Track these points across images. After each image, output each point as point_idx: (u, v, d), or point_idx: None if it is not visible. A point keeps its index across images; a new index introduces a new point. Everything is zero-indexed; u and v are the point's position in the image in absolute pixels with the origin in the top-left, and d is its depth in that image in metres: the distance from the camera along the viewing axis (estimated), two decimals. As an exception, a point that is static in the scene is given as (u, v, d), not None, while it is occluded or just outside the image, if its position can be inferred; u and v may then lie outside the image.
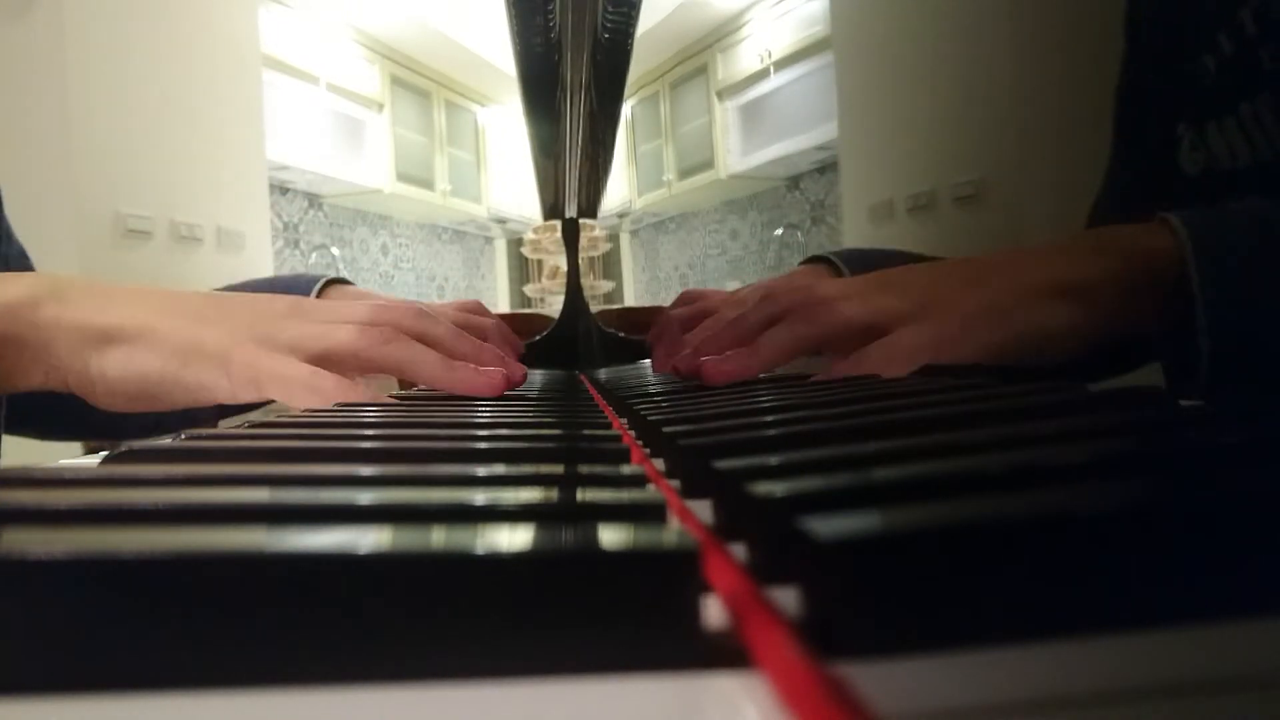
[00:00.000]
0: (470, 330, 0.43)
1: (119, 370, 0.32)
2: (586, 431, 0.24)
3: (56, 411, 0.38)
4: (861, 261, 0.55)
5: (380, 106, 3.07)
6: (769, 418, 0.23)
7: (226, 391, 0.33)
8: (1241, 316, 0.30)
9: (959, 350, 0.34)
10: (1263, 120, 0.44)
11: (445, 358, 0.37)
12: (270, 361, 0.33)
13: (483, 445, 0.20)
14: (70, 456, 0.28)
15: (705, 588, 0.10)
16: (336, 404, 0.33)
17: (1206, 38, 0.48)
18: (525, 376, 0.41)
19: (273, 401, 0.35)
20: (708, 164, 3.10)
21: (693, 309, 0.62)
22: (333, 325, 0.35)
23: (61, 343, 0.32)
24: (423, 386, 0.41)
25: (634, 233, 3.93)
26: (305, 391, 0.33)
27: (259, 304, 0.36)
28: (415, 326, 0.37)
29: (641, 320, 0.74)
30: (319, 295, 0.54)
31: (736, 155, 2.99)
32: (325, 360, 0.35)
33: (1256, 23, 0.45)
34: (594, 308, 0.74)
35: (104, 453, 0.19)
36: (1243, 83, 0.46)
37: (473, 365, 0.38)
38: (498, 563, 0.09)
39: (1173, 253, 0.32)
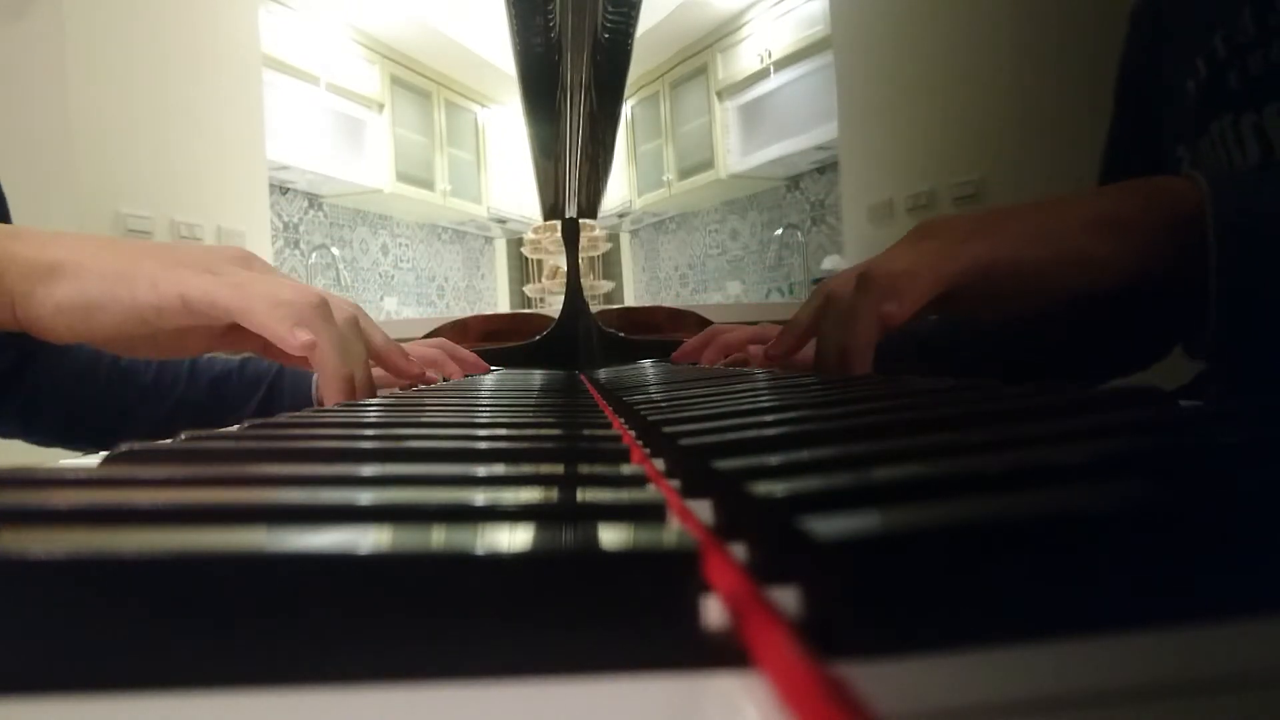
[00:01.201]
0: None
1: (61, 294, 0.35)
2: (586, 431, 0.24)
3: (47, 412, 0.39)
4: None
5: (380, 106, 3.07)
6: (769, 418, 0.23)
7: (155, 307, 0.36)
8: (1251, 265, 0.32)
9: (1010, 264, 0.35)
10: (1226, 136, 0.46)
11: (339, 357, 0.38)
12: (196, 278, 0.36)
13: (483, 445, 0.20)
14: (70, 457, 0.29)
15: (705, 588, 0.10)
16: (337, 404, 0.33)
17: (1189, 64, 0.50)
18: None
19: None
20: (708, 164, 3.10)
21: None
22: (267, 278, 0.37)
23: (14, 273, 0.35)
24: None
25: (634, 233, 3.93)
26: (231, 295, 0.35)
27: (201, 248, 0.39)
28: (349, 314, 0.39)
29: (641, 320, 0.74)
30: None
31: (736, 155, 2.99)
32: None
33: (1226, 46, 0.48)
34: (594, 308, 0.74)
35: (104, 453, 0.19)
36: (1215, 103, 0.48)
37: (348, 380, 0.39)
38: (498, 563, 0.09)
39: (1193, 195, 0.34)
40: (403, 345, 0.49)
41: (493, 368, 0.75)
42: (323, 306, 0.37)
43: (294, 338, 0.36)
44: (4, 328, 0.36)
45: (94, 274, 0.35)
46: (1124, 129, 0.64)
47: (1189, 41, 0.52)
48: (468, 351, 0.64)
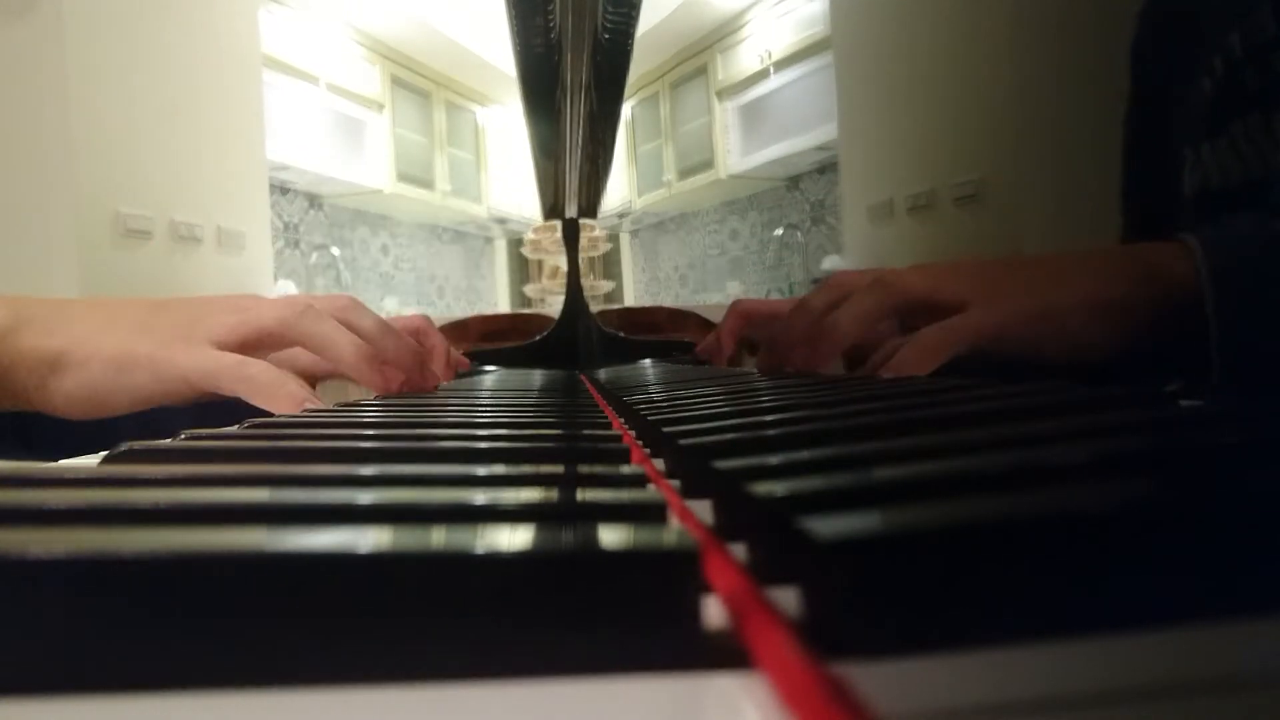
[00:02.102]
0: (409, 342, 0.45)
1: (70, 387, 0.35)
2: (586, 431, 0.24)
3: (38, 429, 0.39)
4: None
5: (380, 107, 3.07)
6: (769, 418, 0.23)
7: (160, 393, 0.36)
8: (1250, 337, 0.33)
9: (1011, 341, 0.37)
10: (1253, 137, 0.46)
11: (362, 346, 0.38)
12: (196, 357, 0.35)
13: (483, 445, 0.20)
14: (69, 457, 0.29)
15: (705, 588, 0.10)
16: (337, 404, 0.33)
17: (1204, 61, 0.50)
18: (436, 388, 0.42)
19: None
20: (708, 164, 3.10)
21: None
22: (256, 310, 0.37)
23: (22, 370, 0.35)
24: (334, 375, 0.41)
25: (634, 233, 3.93)
26: (234, 380, 0.35)
27: (193, 305, 0.38)
28: (342, 313, 0.39)
29: (641, 320, 0.74)
30: None
31: (736, 155, 2.99)
32: (251, 345, 0.37)
33: (1243, 45, 0.47)
34: (594, 308, 0.74)
35: (104, 453, 0.19)
36: (1233, 103, 0.48)
37: (380, 364, 0.39)
38: (498, 563, 0.09)
39: (1192, 276, 0.34)
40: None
41: (487, 368, 0.75)
42: (319, 319, 0.37)
43: (294, 408, 0.35)
44: (22, 409, 0.37)
45: (96, 363, 0.35)
46: (1142, 131, 0.63)
47: (1204, 39, 0.51)
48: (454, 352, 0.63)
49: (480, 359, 0.75)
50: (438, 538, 0.10)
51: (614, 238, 3.80)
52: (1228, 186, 0.48)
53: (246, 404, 0.36)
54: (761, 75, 2.82)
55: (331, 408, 0.35)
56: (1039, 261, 0.41)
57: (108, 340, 0.36)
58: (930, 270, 0.40)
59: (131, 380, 0.35)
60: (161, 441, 0.20)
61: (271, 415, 0.34)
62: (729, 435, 0.18)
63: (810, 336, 0.41)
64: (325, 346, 0.37)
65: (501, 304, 3.97)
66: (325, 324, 0.38)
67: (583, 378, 0.64)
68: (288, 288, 2.57)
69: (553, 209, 0.77)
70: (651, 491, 0.13)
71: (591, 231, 2.87)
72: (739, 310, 0.62)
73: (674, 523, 0.11)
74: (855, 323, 0.39)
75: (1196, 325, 0.34)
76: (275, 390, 0.35)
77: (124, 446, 0.18)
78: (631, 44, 0.56)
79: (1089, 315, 0.37)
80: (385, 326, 0.41)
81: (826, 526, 0.09)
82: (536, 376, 0.67)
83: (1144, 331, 0.36)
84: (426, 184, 3.29)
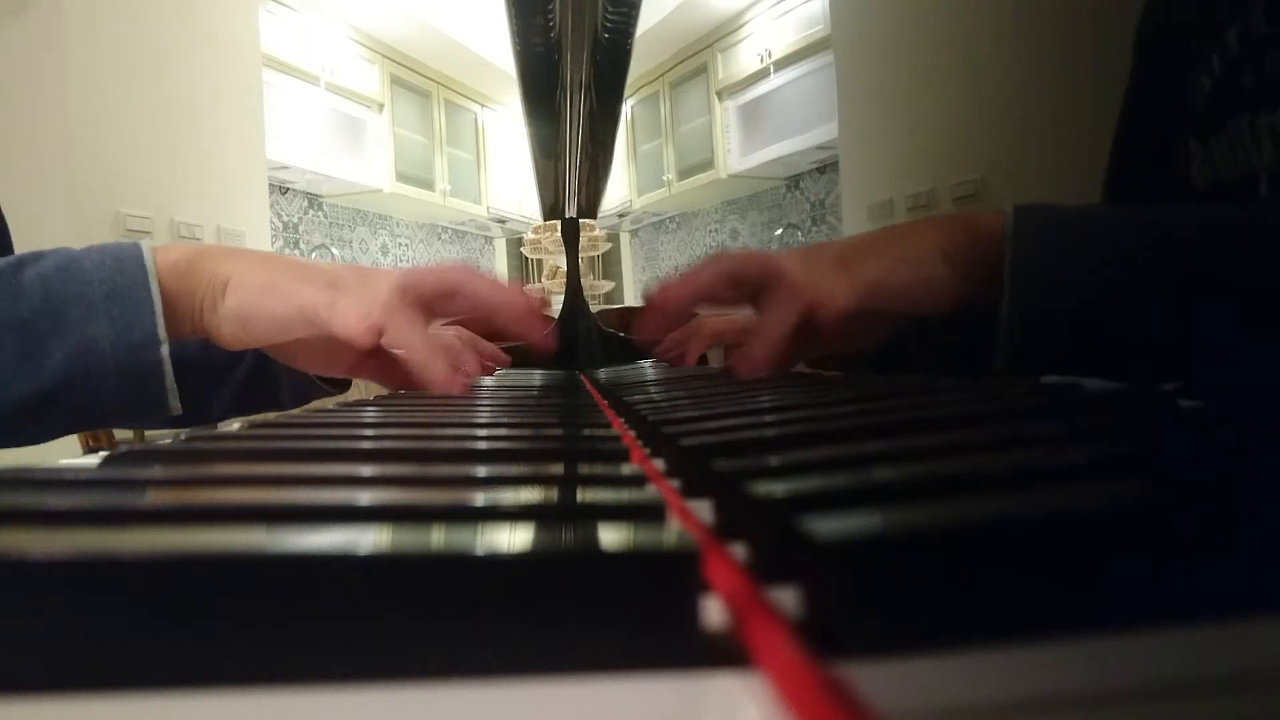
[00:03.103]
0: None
1: (226, 307, 0.41)
2: (586, 431, 0.24)
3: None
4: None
5: (380, 106, 3.07)
6: (769, 418, 0.23)
7: (283, 316, 0.41)
8: (1039, 299, 0.36)
9: (886, 288, 0.40)
10: (1244, 135, 0.46)
11: (436, 347, 0.42)
12: (319, 296, 0.40)
13: (483, 445, 0.20)
14: (70, 456, 0.29)
15: (705, 588, 0.10)
16: (337, 404, 0.34)
17: (1204, 58, 0.50)
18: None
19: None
20: (708, 164, 3.10)
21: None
22: (382, 281, 0.42)
23: (202, 288, 0.41)
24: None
25: (634, 233, 3.93)
26: (325, 308, 0.40)
27: (338, 267, 0.44)
28: (455, 281, 0.43)
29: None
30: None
31: (736, 155, 2.99)
32: (400, 304, 0.41)
33: (1239, 43, 0.48)
34: (594, 308, 0.74)
35: (104, 453, 0.19)
36: (1229, 100, 0.48)
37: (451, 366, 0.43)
38: (498, 563, 0.09)
39: (1001, 237, 0.38)
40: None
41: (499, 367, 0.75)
42: (398, 307, 0.41)
43: (365, 337, 0.40)
44: (191, 334, 0.42)
45: (248, 288, 0.41)
46: (1138, 117, 0.63)
47: (1203, 36, 0.51)
48: (488, 344, 0.64)
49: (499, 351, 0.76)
50: (438, 538, 0.10)
51: (614, 237, 3.80)
52: (1225, 183, 0.49)
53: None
54: (761, 75, 2.83)
55: (331, 408, 0.35)
56: (886, 231, 0.44)
57: (260, 271, 0.41)
58: (791, 255, 0.43)
59: (270, 304, 0.41)
60: (161, 442, 0.20)
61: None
62: (729, 435, 0.18)
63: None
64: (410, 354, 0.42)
65: (501, 304, 3.96)
66: (415, 335, 0.41)
67: (583, 378, 0.64)
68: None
69: (553, 209, 0.77)
70: (651, 491, 0.13)
71: (591, 231, 2.87)
72: (707, 334, 0.63)
73: (674, 523, 0.11)
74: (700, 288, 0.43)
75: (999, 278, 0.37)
76: (414, 343, 0.41)
77: (124, 447, 0.18)
78: (631, 44, 0.56)
79: (940, 261, 0.40)
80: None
81: (825, 526, 0.09)
82: (536, 376, 0.67)
83: (973, 280, 0.40)
84: (426, 184, 3.29)
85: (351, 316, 0.39)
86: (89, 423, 0.42)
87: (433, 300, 0.42)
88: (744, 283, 0.42)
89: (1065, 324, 0.35)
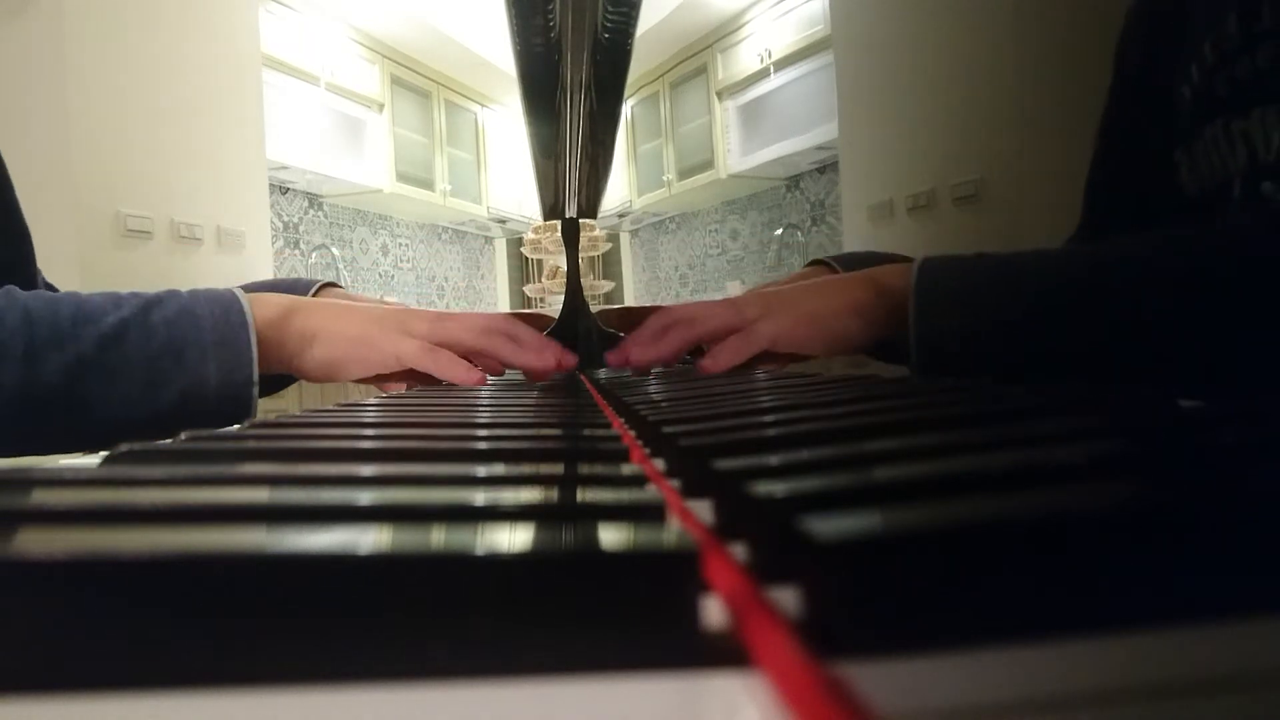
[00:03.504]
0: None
1: (318, 357, 0.51)
2: (586, 431, 0.24)
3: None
4: (849, 263, 0.68)
5: (380, 106, 3.07)
6: (769, 418, 0.23)
7: (379, 364, 0.52)
8: (938, 338, 0.45)
9: (788, 339, 0.51)
10: (1219, 141, 0.47)
11: (521, 350, 0.54)
12: (405, 343, 0.52)
13: (483, 445, 0.20)
14: (70, 456, 0.29)
15: (705, 588, 0.10)
16: (337, 404, 0.34)
17: (1184, 69, 0.51)
18: (576, 363, 0.58)
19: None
20: (708, 164, 3.10)
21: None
22: (450, 323, 0.54)
23: (292, 342, 0.51)
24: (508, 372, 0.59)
25: (634, 233, 3.93)
26: (425, 357, 0.52)
27: (407, 312, 0.55)
28: (504, 329, 0.55)
29: (642, 320, 0.74)
30: (315, 294, 0.70)
31: (736, 155, 2.99)
32: (445, 346, 0.53)
33: (1214, 52, 0.49)
34: (594, 308, 0.74)
35: (104, 453, 0.19)
36: (1206, 108, 0.50)
37: (541, 354, 0.54)
38: (498, 563, 0.09)
39: (908, 290, 0.47)
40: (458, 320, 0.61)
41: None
42: (493, 335, 0.54)
43: (469, 378, 0.52)
44: (278, 372, 0.52)
45: (341, 340, 0.51)
46: (1120, 128, 0.64)
47: (1183, 46, 0.52)
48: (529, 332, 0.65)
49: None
50: (438, 538, 0.10)
51: (614, 238, 3.80)
52: (1208, 188, 0.50)
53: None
54: (761, 75, 2.83)
55: (331, 408, 0.35)
56: (809, 285, 0.55)
57: (347, 325, 0.52)
58: (731, 301, 0.55)
59: (364, 354, 0.52)
60: (161, 442, 0.20)
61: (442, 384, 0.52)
62: (729, 435, 0.18)
63: (643, 347, 0.55)
64: (501, 352, 0.54)
65: (501, 304, 3.97)
66: (497, 340, 0.54)
67: (583, 378, 0.64)
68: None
69: (553, 209, 0.77)
70: (651, 491, 0.13)
71: (591, 231, 2.87)
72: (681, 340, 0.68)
73: (674, 523, 0.11)
74: (675, 345, 0.54)
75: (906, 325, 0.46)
76: (452, 367, 0.52)
77: (124, 447, 0.18)
78: (631, 44, 0.56)
79: (845, 317, 0.51)
80: (531, 333, 0.57)
81: (826, 526, 0.09)
82: (536, 376, 0.67)
83: (883, 328, 0.50)
84: (426, 184, 3.29)
85: (459, 372, 0.52)
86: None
87: (465, 354, 0.53)
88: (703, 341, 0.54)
89: (955, 355, 0.44)
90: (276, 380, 0.62)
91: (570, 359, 0.55)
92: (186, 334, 0.45)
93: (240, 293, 0.49)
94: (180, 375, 0.44)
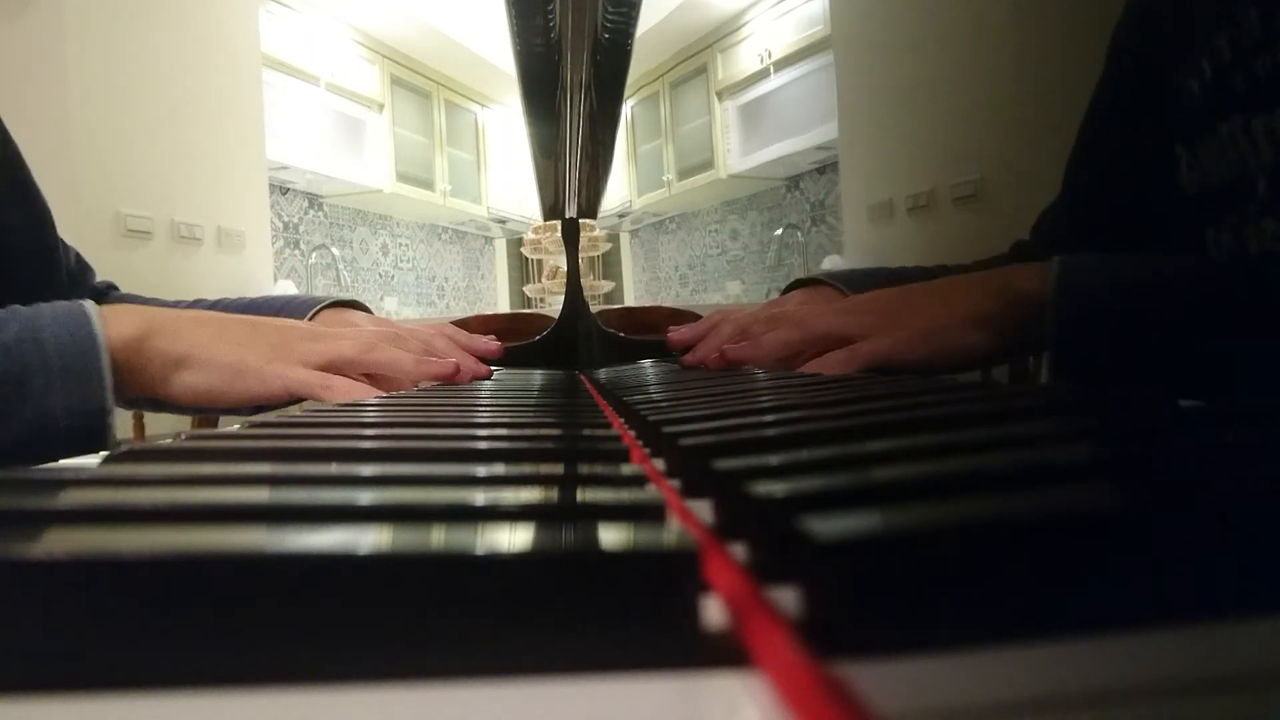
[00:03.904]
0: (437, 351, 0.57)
1: (189, 385, 0.46)
2: (586, 431, 0.24)
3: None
4: (853, 282, 0.65)
5: (380, 106, 3.07)
6: (769, 418, 0.23)
7: (264, 396, 0.46)
8: (1081, 355, 0.40)
9: (901, 359, 0.46)
10: (1238, 138, 0.46)
11: (417, 356, 0.50)
12: (293, 372, 0.47)
13: (483, 445, 0.20)
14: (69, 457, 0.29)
15: (705, 588, 0.10)
16: (338, 404, 0.34)
17: (1192, 62, 0.50)
18: (490, 374, 0.55)
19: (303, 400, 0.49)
20: (708, 164, 3.10)
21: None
22: (335, 342, 0.49)
23: (155, 365, 0.45)
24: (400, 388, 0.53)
25: (634, 233, 3.93)
26: (320, 389, 0.46)
27: (283, 329, 0.50)
28: (395, 340, 0.51)
29: (642, 320, 0.74)
30: (319, 314, 0.65)
31: (736, 155, 2.99)
32: (331, 367, 0.48)
33: (1231, 47, 0.48)
34: (594, 308, 0.74)
35: (104, 453, 0.19)
36: (1221, 105, 0.48)
37: (437, 359, 0.51)
38: (498, 563, 0.09)
39: (1041, 296, 0.41)
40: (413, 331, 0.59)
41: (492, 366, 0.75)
42: (381, 349, 0.50)
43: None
44: (144, 397, 0.47)
45: (214, 367, 0.46)
46: (1112, 119, 0.64)
47: (1190, 40, 0.52)
48: (478, 339, 0.64)
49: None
50: (438, 538, 0.10)
51: (614, 238, 3.80)
52: (1214, 186, 0.49)
53: None
54: (761, 75, 2.83)
55: (332, 408, 0.35)
56: (924, 289, 0.49)
57: (221, 350, 0.46)
58: (839, 308, 0.51)
59: (244, 384, 0.46)
60: (161, 442, 0.20)
61: None
62: (729, 435, 0.18)
63: (735, 347, 0.51)
64: (389, 368, 0.50)
65: (501, 304, 3.97)
66: (388, 353, 0.49)
67: (583, 378, 0.64)
68: (287, 287, 2.57)
69: (553, 209, 0.77)
70: (651, 491, 0.13)
71: (591, 231, 2.87)
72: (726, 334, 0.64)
73: (674, 523, 0.11)
74: (776, 347, 0.50)
75: (1041, 334, 0.41)
76: (350, 395, 0.46)
77: (124, 447, 0.18)
78: (631, 44, 0.56)
79: (967, 329, 0.45)
80: (428, 344, 0.54)
81: (826, 526, 0.09)
82: (536, 376, 0.67)
83: (1010, 340, 0.45)
84: (426, 184, 3.29)
85: (316, 393, 0.46)
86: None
87: (365, 371, 0.50)
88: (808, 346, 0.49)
89: (1100, 367, 0.39)
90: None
91: (479, 368, 0.51)
92: (29, 361, 0.39)
93: (92, 309, 0.43)
94: (22, 407, 0.39)
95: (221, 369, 0.45)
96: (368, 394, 0.46)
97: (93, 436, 0.40)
